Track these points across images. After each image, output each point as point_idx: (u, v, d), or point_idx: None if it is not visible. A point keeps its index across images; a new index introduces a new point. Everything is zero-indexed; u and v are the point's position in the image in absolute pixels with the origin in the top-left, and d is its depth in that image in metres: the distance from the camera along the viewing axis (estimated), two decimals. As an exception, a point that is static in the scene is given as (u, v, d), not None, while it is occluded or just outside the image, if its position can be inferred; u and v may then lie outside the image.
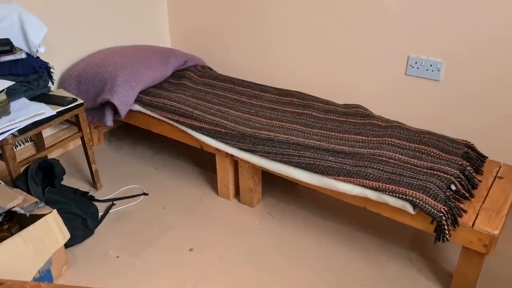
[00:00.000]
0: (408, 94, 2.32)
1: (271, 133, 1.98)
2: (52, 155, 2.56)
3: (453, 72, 2.16)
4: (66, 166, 2.52)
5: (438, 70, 2.20)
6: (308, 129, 2.03)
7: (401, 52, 2.27)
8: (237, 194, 2.28)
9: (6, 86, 1.88)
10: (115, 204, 2.25)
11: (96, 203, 2.20)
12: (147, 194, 2.33)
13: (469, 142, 1.92)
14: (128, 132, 2.89)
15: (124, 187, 2.38)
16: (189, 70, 2.63)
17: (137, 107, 2.34)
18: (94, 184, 2.36)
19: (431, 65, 2.21)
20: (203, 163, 2.57)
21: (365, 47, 2.36)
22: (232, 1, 2.72)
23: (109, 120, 2.32)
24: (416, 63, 2.25)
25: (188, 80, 2.52)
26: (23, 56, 2.03)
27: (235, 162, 2.17)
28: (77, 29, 2.56)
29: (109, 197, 2.31)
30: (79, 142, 2.53)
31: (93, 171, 2.31)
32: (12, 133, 1.83)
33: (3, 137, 1.81)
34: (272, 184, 2.33)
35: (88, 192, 2.26)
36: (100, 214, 2.17)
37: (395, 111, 2.33)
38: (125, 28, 2.84)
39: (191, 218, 2.16)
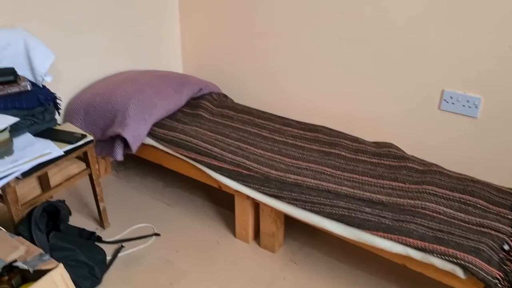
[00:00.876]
0: (442, 131, 2.15)
1: (299, 177, 1.81)
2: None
3: (493, 109, 2.00)
4: (71, 200, 2.36)
5: (476, 107, 2.04)
6: (338, 172, 1.86)
7: (434, 85, 2.11)
8: (256, 236, 2.11)
9: (10, 123, 1.71)
10: (124, 247, 2.07)
11: (103, 245, 2.03)
12: (158, 235, 2.15)
13: (516, 191, 1.76)
14: (137, 161, 2.71)
15: (134, 226, 2.20)
16: (204, 98, 2.47)
17: (149, 141, 2.17)
18: (101, 223, 2.18)
19: (468, 101, 2.05)
20: (219, 199, 2.40)
21: (395, 78, 2.20)
22: (250, 25, 2.56)
23: (119, 154, 2.15)
24: (451, 98, 2.09)
25: (203, 111, 2.35)
26: (28, 88, 1.86)
27: (256, 204, 2.00)
28: (86, 52, 2.40)
29: (117, 237, 2.13)
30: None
31: (101, 209, 2.14)
32: (15, 177, 1.66)
33: (6, 182, 1.63)
34: (294, 225, 2.16)
35: (95, 233, 2.08)
36: (108, 258, 1.99)
37: (428, 149, 2.16)
38: (135, 51, 2.68)
39: (207, 264, 1.98)
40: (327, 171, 1.87)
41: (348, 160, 1.95)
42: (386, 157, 1.95)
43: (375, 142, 2.09)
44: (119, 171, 2.65)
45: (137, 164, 2.70)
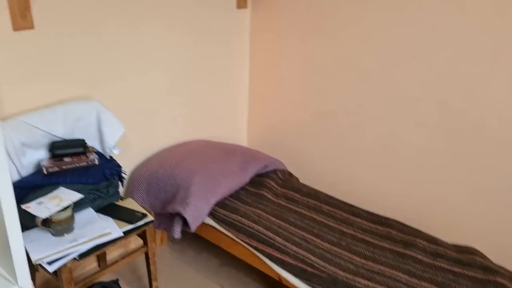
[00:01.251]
0: (534, 238, 1.91)
1: (370, 283, 1.63)
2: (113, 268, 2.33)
3: None
4: (124, 271, 2.30)
5: None
6: (414, 280, 1.67)
7: (525, 185, 1.90)
8: (315, 336, 1.91)
9: (75, 200, 1.68)
10: (173, 333, 1.95)
11: (152, 329, 1.92)
12: (210, 323, 2.02)
13: None
14: (194, 234, 2.63)
15: (185, 309, 2.08)
16: (268, 177, 2.37)
17: (209, 221, 2.08)
18: (152, 302, 2.08)
19: None
20: (277, 286, 2.23)
21: (479, 172, 2.00)
22: (321, 102, 2.47)
23: (177, 232, 2.07)
24: (545, 201, 1.86)
25: (267, 191, 2.24)
26: (96, 162, 1.85)
27: (318, 303, 1.82)
28: (153, 121, 2.40)
29: (167, 321, 2.02)
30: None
31: (153, 288, 2.04)
32: (73, 257, 1.61)
33: (63, 263, 1.58)
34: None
35: (145, 313, 1.98)
36: None
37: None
38: (202, 122, 2.66)
39: None
40: (401, 278, 1.68)
41: (425, 266, 1.75)
42: (469, 266, 1.73)
43: (455, 246, 1.88)
44: (174, 243, 2.57)
45: (194, 237, 2.61)
